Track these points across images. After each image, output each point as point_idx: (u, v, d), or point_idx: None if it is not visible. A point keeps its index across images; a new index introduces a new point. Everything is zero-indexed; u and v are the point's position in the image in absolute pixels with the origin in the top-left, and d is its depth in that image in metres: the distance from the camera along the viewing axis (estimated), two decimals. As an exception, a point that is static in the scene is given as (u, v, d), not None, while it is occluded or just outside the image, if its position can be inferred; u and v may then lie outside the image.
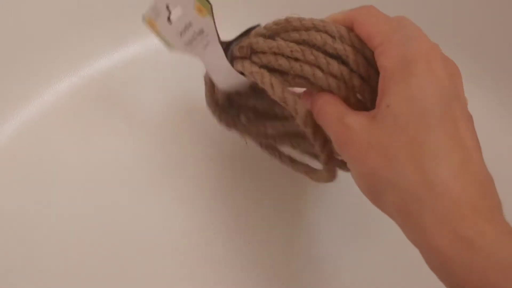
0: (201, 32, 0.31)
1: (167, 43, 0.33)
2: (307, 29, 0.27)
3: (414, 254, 0.23)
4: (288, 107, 0.27)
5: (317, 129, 0.27)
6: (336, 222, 0.39)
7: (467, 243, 0.20)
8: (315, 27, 0.27)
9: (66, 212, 0.38)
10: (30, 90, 0.41)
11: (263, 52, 0.28)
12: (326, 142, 0.28)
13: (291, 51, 0.27)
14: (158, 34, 0.33)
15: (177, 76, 0.41)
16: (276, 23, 0.28)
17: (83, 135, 0.41)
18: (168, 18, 0.31)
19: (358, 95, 0.27)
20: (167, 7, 0.31)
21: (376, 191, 0.23)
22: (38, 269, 0.36)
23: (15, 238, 0.37)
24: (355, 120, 0.24)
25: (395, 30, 0.24)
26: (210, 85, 0.33)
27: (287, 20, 0.28)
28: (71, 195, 0.39)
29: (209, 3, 0.29)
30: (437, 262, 0.21)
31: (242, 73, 0.30)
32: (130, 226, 0.38)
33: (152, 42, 0.41)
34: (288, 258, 0.38)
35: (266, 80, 0.27)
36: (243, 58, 0.29)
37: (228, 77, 0.31)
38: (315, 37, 0.26)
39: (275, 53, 0.27)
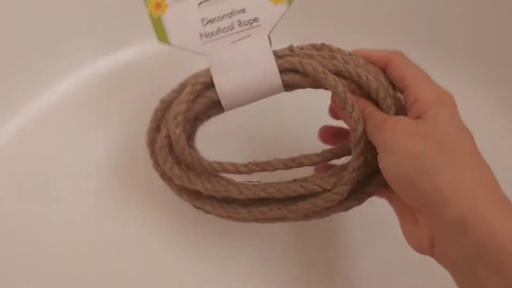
0: (250, 21, 0.30)
1: (162, 35, 0.31)
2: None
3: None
4: (347, 106, 0.28)
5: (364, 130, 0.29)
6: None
7: None
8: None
9: (63, 215, 0.38)
10: (29, 92, 0.42)
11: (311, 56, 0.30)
12: (365, 149, 0.29)
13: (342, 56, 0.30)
14: (157, 18, 0.30)
15: (172, 80, 0.41)
16: (312, 45, 0.31)
17: (81, 137, 0.41)
18: (201, 2, 0.30)
19: None
20: None
21: (419, 173, 0.25)
22: (34, 269, 0.36)
23: (12, 240, 0.37)
24: (400, 116, 0.28)
25: (425, 76, 0.29)
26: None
27: (323, 44, 0.31)
28: (67, 198, 0.38)
29: None
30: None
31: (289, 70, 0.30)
32: (128, 227, 0.38)
33: (150, 45, 0.43)
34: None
35: (331, 78, 0.28)
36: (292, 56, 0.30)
37: (258, 78, 0.30)
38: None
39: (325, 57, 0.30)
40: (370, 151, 0.29)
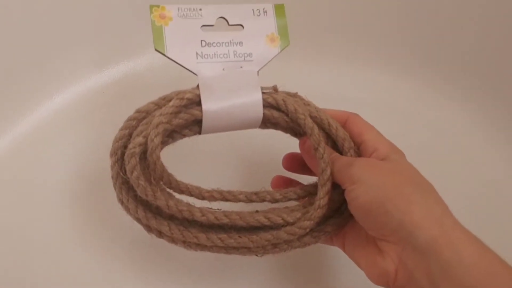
0: (245, 55, 0.32)
1: (160, 43, 0.32)
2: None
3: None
4: (320, 148, 0.31)
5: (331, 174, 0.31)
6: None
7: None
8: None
9: (56, 225, 0.38)
10: (25, 106, 0.43)
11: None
12: (331, 189, 0.31)
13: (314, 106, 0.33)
14: (159, 26, 0.32)
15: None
16: (286, 92, 0.34)
17: (76, 149, 0.41)
18: (203, 25, 0.32)
19: None
20: (223, 17, 0.33)
21: (392, 199, 0.28)
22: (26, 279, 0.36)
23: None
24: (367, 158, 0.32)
25: (379, 133, 0.33)
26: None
27: (297, 94, 0.34)
28: (61, 208, 0.39)
29: (289, 43, 0.33)
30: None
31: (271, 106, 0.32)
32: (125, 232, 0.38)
33: (143, 60, 0.44)
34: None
35: (317, 131, 0.31)
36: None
37: (242, 107, 0.31)
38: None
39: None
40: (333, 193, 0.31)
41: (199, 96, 0.31)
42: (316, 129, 0.32)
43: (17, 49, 0.42)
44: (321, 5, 0.47)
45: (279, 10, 0.34)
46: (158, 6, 0.32)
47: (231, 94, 0.31)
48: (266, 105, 0.32)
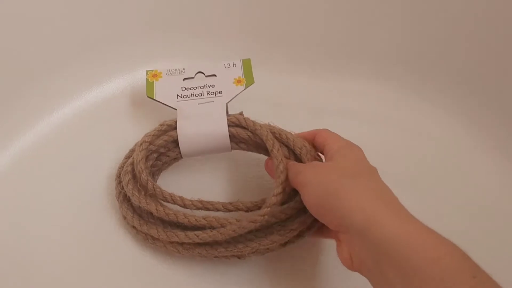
0: (216, 92, 0.41)
1: (151, 93, 0.41)
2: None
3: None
4: (274, 149, 0.36)
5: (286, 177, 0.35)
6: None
7: None
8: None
9: (52, 240, 0.39)
10: (25, 121, 0.44)
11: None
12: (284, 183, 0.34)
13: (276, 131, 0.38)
14: (151, 82, 0.42)
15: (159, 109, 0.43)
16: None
17: (77, 163, 0.43)
18: (184, 78, 0.42)
19: None
20: (201, 72, 0.42)
21: (326, 195, 0.30)
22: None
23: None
24: (313, 162, 0.36)
25: (341, 137, 0.36)
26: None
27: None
28: (62, 222, 0.40)
29: (253, 81, 0.42)
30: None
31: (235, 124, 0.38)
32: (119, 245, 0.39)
33: (141, 75, 0.47)
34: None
35: (271, 136, 0.37)
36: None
37: (212, 128, 0.38)
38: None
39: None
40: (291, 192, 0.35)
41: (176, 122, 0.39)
42: (270, 135, 0.36)
43: (17, 65, 0.43)
44: (316, 20, 0.49)
45: (246, 62, 0.43)
46: (152, 70, 0.43)
47: (202, 119, 0.39)
48: (231, 124, 0.38)
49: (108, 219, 0.40)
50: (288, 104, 0.48)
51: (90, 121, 0.45)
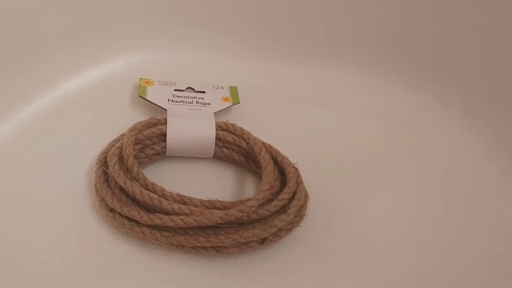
0: (205, 103, 0.44)
1: (143, 93, 0.44)
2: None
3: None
4: (261, 152, 0.39)
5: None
6: None
7: None
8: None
9: (36, 229, 0.37)
10: (2, 111, 0.43)
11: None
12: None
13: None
14: (144, 86, 0.44)
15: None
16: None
17: (54, 153, 0.42)
18: (175, 89, 0.45)
19: None
20: (191, 87, 0.46)
21: None
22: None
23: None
24: None
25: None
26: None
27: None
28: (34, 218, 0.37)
29: (239, 101, 0.46)
30: None
31: (220, 128, 0.41)
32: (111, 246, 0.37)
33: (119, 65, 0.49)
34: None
35: (258, 140, 0.40)
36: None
37: (200, 130, 0.40)
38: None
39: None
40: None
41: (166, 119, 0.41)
42: (258, 139, 0.39)
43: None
44: (315, 13, 0.50)
45: (233, 88, 0.47)
46: (145, 78, 0.46)
47: (192, 118, 0.41)
48: (218, 128, 0.41)
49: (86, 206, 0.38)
50: (270, 92, 0.49)
51: (69, 110, 0.45)
